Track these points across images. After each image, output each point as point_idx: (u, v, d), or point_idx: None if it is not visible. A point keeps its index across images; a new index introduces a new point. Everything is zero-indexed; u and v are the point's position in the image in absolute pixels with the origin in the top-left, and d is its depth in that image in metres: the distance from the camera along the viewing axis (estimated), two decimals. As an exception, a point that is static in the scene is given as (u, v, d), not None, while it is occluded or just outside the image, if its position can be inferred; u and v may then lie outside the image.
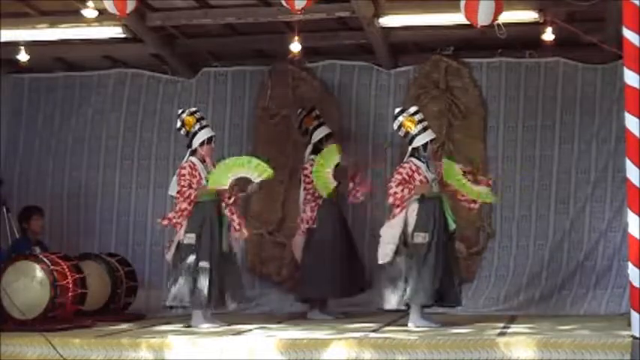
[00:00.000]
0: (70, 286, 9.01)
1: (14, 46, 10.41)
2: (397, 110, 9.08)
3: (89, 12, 9.30)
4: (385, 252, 8.83)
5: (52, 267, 8.96)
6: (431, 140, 8.99)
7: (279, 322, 9.33)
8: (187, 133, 9.20)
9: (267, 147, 10.98)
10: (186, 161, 9.14)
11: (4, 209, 10.21)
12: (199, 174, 9.09)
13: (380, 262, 8.86)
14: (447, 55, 10.78)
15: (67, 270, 9.07)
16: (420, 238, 8.78)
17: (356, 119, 10.94)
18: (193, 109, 9.39)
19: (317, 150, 10.01)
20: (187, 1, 9.78)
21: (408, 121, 8.93)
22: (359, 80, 11.00)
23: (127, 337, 8.20)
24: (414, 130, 8.91)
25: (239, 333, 8.44)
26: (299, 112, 10.28)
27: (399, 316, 9.10)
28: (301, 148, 10.55)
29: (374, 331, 8.43)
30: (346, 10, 9.58)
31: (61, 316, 8.97)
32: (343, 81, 11.02)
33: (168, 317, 9.70)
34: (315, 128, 10.07)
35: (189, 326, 8.94)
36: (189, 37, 10.69)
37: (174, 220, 9.07)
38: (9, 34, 9.94)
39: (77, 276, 9.16)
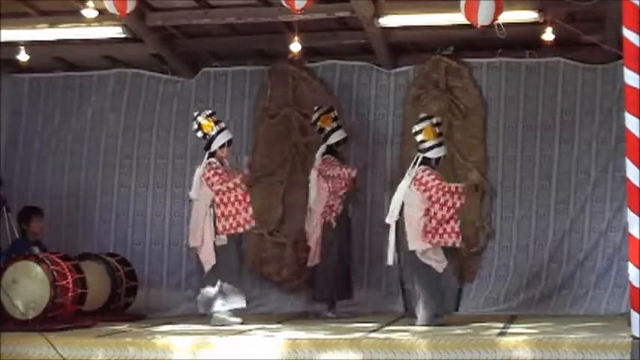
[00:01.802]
0: (70, 286, 9.00)
1: (14, 46, 10.41)
2: (422, 115, 9.08)
3: (89, 12, 9.29)
4: (438, 261, 8.78)
5: (52, 267, 8.95)
6: (443, 156, 9.03)
7: (279, 322, 9.33)
8: (204, 135, 9.23)
9: (267, 147, 10.98)
10: (209, 163, 9.15)
11: (4, 209, 10.20)
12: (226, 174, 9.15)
13: (439, 271, 8.77)
14: (447, 55, 10.77)
15: (67, 270, 9.06)
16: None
17: (356, 119, 10.92)
18: (209, 111, 9.41)
19: (331, 151, 9.99)
20: (187, 1, 9.78)
21: (430, 130, 8.90)
22: (359, 80, 10.98)
23: (127, 337, 8.17)
24: (432, 140, 8.90)
25: (239, 333, 8.43)
26: (316, 108, 10.17)
27: (399, 316, 9.09)
28: (301, 148, 10.53)
29: (374, 331, 8.42)
30: (346, 10, 9.58)
31: (61, 316, 8.96)
32: (343, 81, 11.01)
33: (168, 317, 9.69)
34: (334, 130, 10.03)
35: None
36: (189, 37, 10.69)
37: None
38: (9, 34, 9.95)
39: (77, 276, 9.15)
